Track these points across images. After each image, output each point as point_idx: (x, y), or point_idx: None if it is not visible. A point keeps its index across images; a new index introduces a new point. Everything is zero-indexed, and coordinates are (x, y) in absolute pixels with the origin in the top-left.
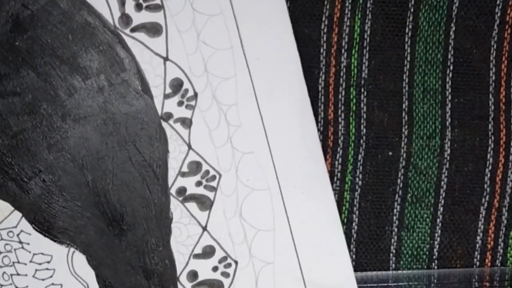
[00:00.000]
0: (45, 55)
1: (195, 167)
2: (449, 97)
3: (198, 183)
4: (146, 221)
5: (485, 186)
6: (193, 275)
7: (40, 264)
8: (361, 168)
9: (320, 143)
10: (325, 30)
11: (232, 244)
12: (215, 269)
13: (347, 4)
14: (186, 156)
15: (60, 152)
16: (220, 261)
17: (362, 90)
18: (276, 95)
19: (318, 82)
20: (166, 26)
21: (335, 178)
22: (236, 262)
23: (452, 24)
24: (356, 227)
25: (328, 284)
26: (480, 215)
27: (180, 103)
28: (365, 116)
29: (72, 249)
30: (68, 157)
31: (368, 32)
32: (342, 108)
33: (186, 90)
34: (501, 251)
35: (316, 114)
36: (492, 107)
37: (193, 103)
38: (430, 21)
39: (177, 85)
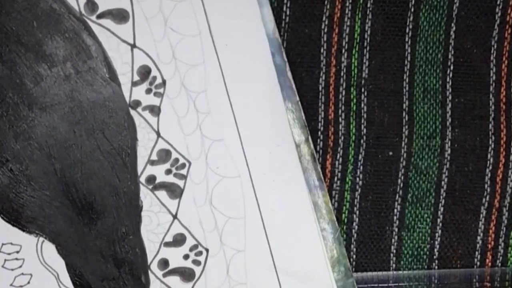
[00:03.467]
0: (10, 42)
1: (164, 155)
2: (450, 97)
3: (168, 171)
4: (115, 210)
5: (486, 186)
6: (164, 263)
7: (9, 254)
8: (361, 168)
9: (290, 129)
10: (326, 30)
11: (203, 232)
12: (186, 257)
13: (347, 4)
14: (155, 144)
15: (27, 141)
16: (191, 249)
17: (363, 90)
18: (246, 81)
19: (319, 82)
20: (133, 12)
21: (336, 178)
22: (207, 250)
23: (453, 24)
24: (356, 227)
25: (300, 271)
26: (481, 215)
27: (148, 91)
28: (365, 116)
29: (41, 239)
30: (36, 146)
31: (369, 32)
32: (343, 108)
33: (154, 78)
34: (502, 251)
35: (316, 114)
36: (493, 107)
37: (161, 90)
38: (430, 21)
39: (145, 72)
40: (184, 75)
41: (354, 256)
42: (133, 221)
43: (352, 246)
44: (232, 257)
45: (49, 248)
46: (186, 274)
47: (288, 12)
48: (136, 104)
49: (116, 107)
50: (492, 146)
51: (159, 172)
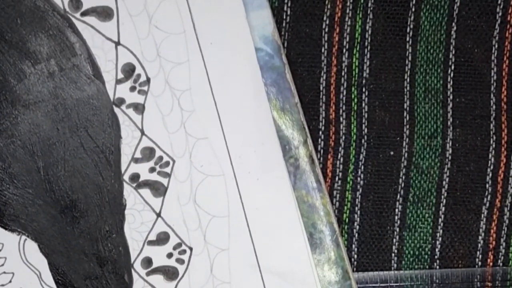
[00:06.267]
0: None
1: (148, 153)
2: (451, 97)
3: (152, 169)
4: (99, 208)
5: (487, 185)
6: (147, 262)
7: None
8: (362, 167)
9: (274, 127)
10: (326, 30)
11: (187, 230)
12: (169, 255)
13: (348, 4)
14: (139, 142)
15: (10, 139)
16: (174, 248)
17: (364, 89)
18: (230, 80)
19: (320, 81)
20: (117, 10)
21: (337, 178)
22: (190, 249)
23: (454, 24)
24: (357, 227)
25: (284, 270)
26: (482, 215)
27: (132, 88)
28: (366, 115)
29: (23, 237)
30: (19, 144)
31: (369, 32)
32: (344, 107)
33: (139, 75)
34: (503, 251)
35: (317, 114)
36: (494, 107)
37: (145, 88)
38: (431, 20)
39: (129, 70)
40: (169, 73)
41: (356, 256)
42: (117, 220)
43: (353, 246)
44: (216, 256)
45: (32, 247)
46: (170, 273)
47: (289, 12)
48: (120, 101)
49: (100, 105)
50: (493, 145)
51: (143, 170)
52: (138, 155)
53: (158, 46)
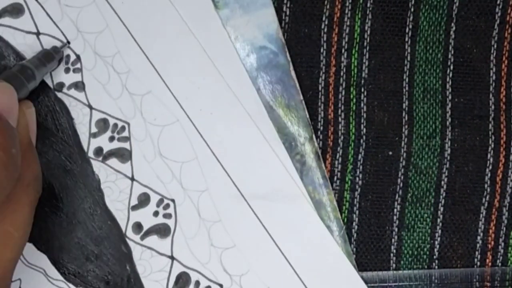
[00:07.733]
0: None
1: (102, 124)
2: (450, 97)
3: (111, 138)
4: (76, 191)
5: (486, 186)
6: (137, 227)
7: None
8: (361, 167)
9: (210, 60)
10: (325, 30)
11: (163, 184)
12: (155, 214)
13: (347, 4)
14: (91, 117)
15: None
16: (157, 205)
17: (362, 89)
18: (153, 31)
19: (318, 81)
20: (27, 4)
21: (335, 178)
22: (173, 201)
23: (453, 24)
24: (356, 227)
25: (267, 191)
26: (481, 215)
27: (67, 70)
28: (365, 115)
29: None
30: None
31: (368, 32)
32: (342, 107)
33: (68, 56)
34: (502, 251)
35: (316, 114)
36: (493, 107)
37: (78, 66)
38: (430, 21)
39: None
40: (94, 44)
41: (354, 256)
42: (96, 196)
43: (352, 245)
44: (199, 199)
45: (29, 248)
46: (162, 230)
47: (288, 12)
48: (60, 86)
49: (42, 95)
50: (492, 146)
51: (104, 142)
52: (94, 129)
53: (75, 22)
